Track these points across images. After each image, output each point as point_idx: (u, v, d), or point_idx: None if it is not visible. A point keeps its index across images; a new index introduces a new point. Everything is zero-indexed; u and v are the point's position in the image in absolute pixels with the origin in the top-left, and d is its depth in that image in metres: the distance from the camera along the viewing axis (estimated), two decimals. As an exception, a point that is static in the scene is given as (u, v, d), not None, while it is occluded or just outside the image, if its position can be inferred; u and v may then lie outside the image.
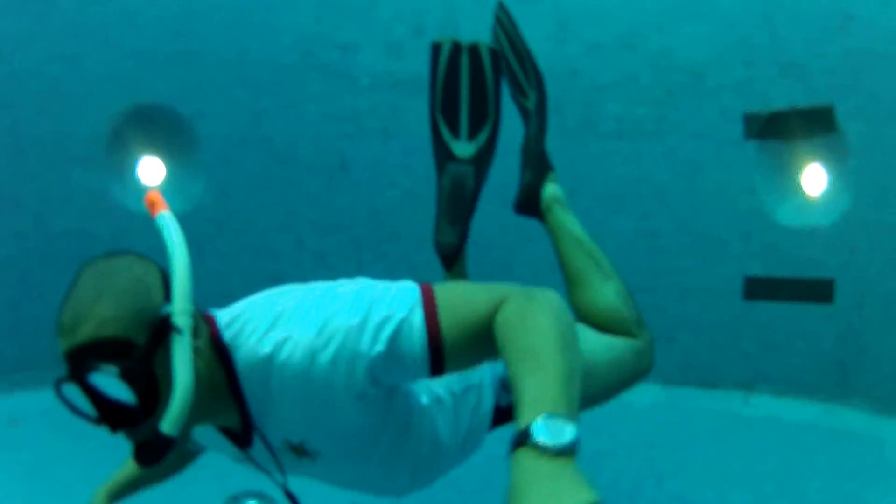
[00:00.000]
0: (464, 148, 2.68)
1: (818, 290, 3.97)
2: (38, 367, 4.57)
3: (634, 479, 3.82)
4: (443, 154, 2.70)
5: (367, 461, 1.71)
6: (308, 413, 1.54)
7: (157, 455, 1.47)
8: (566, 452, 1.14)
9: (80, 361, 1.41)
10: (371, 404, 1.56)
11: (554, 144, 4.75)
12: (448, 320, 1.48)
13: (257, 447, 1.66)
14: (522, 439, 1.16)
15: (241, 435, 1.64)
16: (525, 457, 1.14)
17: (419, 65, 5.12)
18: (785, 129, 4.15)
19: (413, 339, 1.48)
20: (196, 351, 1.50)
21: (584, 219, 4.67)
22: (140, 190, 4.70)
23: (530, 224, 4.85)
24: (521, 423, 1.19)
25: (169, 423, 1.44)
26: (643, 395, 4.37)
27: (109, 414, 1.45)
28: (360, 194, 4.88)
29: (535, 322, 1.39)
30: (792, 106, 4.13)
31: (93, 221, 4.49)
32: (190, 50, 4.68)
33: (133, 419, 1.45)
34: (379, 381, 1.52)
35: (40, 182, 4.38)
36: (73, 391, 1.44)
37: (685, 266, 4.39)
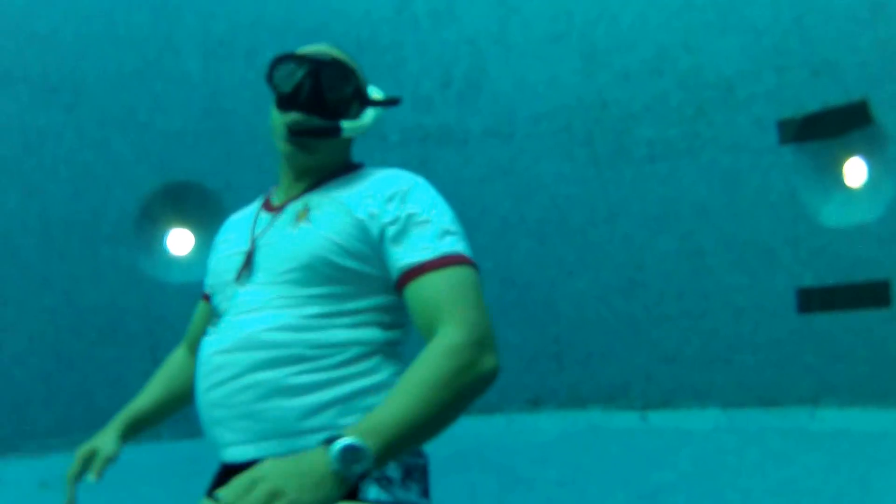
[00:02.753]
0: None
1: (874, 294, 3.87)
2: (69, 433, 4.69)
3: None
4: None
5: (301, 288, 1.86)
6: (343, 197, 1.94)
7: (317, 133, 2.00)
8: (343, 478, 1.42)
9: (327, 63, 2.01)
10: (363, 254, 1.86)
11: (588, 174, 4.82)
12: (449, 275, 1.79)
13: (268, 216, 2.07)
14: (331, 440, 1.44)
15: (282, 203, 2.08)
16: (317, 451, 1.45)
17: (447, 116, 5.23)
18: (820, 130, 4.10)
19: (424, 245, 1.83)
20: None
21: (625, 244, 4.73)
22: (169, 261, 4.79)
23: (569, 257, 4.88)
24: (349, 431, 1.48)
25: (350, 127, 2.02)
26: (703, 420, 4.31)
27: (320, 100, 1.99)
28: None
29: (449, 364, 1.65)
30: (825, 106, 4.08)
31: (123, 295, 4.60)
32: (218, 127, 4.81)
33: (327, 112, 2.00)
34: (376, 242, 1.87)
35: (69, 260, 4.48)
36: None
37: (735, 283, 4.39)
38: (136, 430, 2.23)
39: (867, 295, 3.92)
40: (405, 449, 1.57)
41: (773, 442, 4.02)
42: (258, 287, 1.87)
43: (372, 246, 1.85)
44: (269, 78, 2.00)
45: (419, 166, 4.94)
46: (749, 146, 4.36)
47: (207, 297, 2.23)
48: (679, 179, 4.55)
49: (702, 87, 4.51)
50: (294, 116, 1.97)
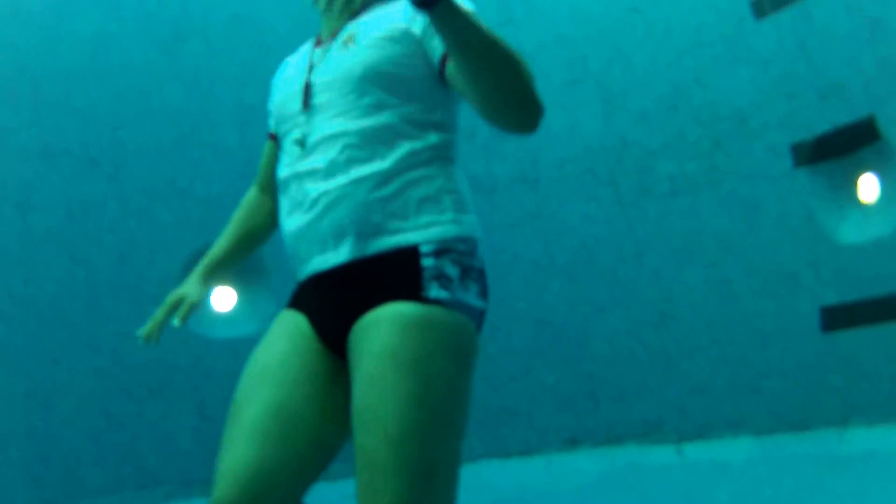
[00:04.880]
0: None
1: (895, 307, 3.85)
2: (120, 491, 4.84)
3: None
4: None
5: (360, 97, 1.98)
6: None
7: None
8: None
9: None
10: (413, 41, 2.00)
11: (613, 213, 4.90)
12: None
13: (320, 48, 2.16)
14: None
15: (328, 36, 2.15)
16: None
17: (475, 166, 5.36)
18: (832, 149, 4.16)
19: None
20: None
21: (653, 278, 4.79)
22: (213, 318, 4.96)
23: (600, 295, 4.94)
24: None
25: None
26: (737, 451, 4.30)
27: None
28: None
29: (515, 55, 1.78)
30: (835, 127, 4.13)
31: (170, 353, 4.74)
32: (256, 190, 4.97)
33: None
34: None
35: (116, 322, 4.65)
36: None
37: (760, 309, 4.44)
38: (217, 274, 2.30)
39: (889, 308, 3.92)
40: (461, 38, 1.70)
41: (805, 469, 4.00)
42: (323, 108, 2.01)
43: (417, 43, 1.99)
44: None
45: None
46: (765, 173, 4.43)
47: (275, 137, 2.33)
48: (701, 212, 4.63)
49: (716, 120, 4.61)
50: None
